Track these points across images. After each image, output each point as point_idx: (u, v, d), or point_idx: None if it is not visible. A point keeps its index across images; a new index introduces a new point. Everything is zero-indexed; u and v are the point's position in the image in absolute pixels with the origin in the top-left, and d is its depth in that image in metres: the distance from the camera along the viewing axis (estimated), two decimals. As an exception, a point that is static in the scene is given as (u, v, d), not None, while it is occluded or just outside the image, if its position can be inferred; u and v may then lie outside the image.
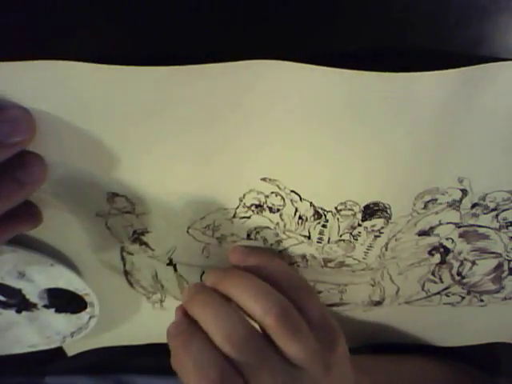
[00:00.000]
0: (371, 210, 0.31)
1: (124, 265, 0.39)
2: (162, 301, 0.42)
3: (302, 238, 0.33)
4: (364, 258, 0.35)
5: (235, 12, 0.24)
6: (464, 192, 0.31)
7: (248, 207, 0.32)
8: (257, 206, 0.32)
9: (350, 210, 0.31)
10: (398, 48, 0.25)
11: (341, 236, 0.33)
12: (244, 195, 0.31)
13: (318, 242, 0.33)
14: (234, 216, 0.33)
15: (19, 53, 0.24)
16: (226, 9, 0.24)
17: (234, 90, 0.25)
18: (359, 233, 0.33)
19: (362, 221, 0.32)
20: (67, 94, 0.25)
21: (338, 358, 0.31)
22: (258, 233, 0.34)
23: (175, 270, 0.39)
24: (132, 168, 0.30)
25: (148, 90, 0.25)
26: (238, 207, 0.32)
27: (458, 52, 0.24)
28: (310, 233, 0.33)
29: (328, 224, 0.32)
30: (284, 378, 0.29)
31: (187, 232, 0.34)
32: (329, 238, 0.33)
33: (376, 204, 0.31)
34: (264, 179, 0.30)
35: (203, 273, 0.38)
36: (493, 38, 0.24)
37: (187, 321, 0.31)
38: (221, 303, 0.30)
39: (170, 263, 0.37)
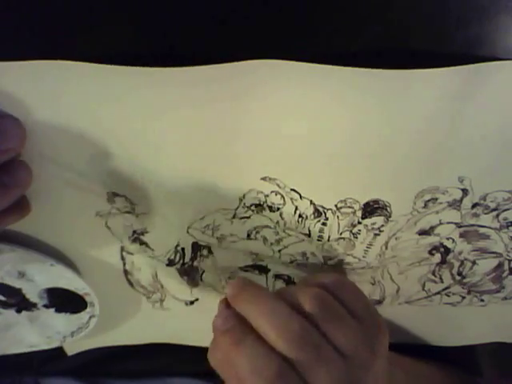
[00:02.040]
0: (371, 208, 0.31)
1: (124, 264, 0.39)
2: (161, 300, 0.42)
3: (303, 236, 0.34)
4: (364, 257, 0.35)
5: (235, 12, 0.24)
6: (464, 191, 0.31)
7: (248, 207, 0.32)
8: (257, 206, 0.32)
9: (349, 207, 0.31)
10: (398, 48, 0.25)
11: (341, 234, 0.33)
12: (244, 195, 0.32)
13: (318, 240, 0.34)
14: (234, 216, 0.33)
15: (19, 53, 0.24)
16: (226, 9, 0.24)
17: (233, 90, 0.25)
18: (359, 231, 0.33)
19: (362, 218, 0.32)
20: (67, 93, 0.25)
21: (381, 346, 0.32)
22: (257, 232, 0.34)
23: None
24: (131, 168, 0.30)
25: (148, 91, 0.25)
26: (237, 208, 0.32)
27: (458, 52, 0.24)
28: (310, 231, 0.33)
29: (328, 222, 0.32)
30: (340, 372, 0.29)
31: (187, 232, 0.35)
32: (329, 236, 0.33)
33: (376, 202, 0.31)
34: (264, 178, 0.30)
35: (203, 272, 0.39)
36: (492, 38, 0.24)
37: (235, 316, 0.30)
38: (271, 299, 0.30)
39: (170, 264, 0.37)
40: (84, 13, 0.24)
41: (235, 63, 0.24)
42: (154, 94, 0.25)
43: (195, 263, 0.38)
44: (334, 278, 0.32)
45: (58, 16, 0.24)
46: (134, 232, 0.35)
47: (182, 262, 0.37)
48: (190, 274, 0.39)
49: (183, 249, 0.36)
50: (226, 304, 0.31)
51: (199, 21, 0.24)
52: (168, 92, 0.25)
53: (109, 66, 0.24)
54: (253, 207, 0.32)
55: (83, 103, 0.26)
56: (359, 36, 0.25)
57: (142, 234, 0.35)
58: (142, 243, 0.36)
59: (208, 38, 0.25)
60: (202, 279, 0.39)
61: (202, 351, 0.47)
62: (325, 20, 0.24)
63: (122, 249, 0.37)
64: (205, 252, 0.36)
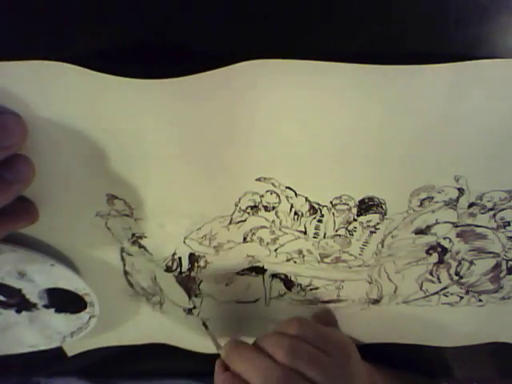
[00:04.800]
0: (366, 205, 0.31)
1: (124, 265, 0.39)
2: (161, 303, 0.42)
3: (299, 234, 0.34)
4: (360, 255, 0.35)
5: (234, 12, 0.24)
6: (461, 191, 0.31)
7: (244, 210, 0.32)
8: (252, 208, 0.32)
9: (345, 204, 0.31)
10: (398, 48, 0.25)
11: (336, 231, 0.33)
12: (239, 199, 0.32)
13: (314, 237, 0.34)
14: (230, 222, 0.33)
15: (19, 53, 0.24)
16: (226, 9, 0.24)
17: (232, 93, 0.25)
18: (355, 228, 0.33)
19: (358, 216, 0.32)
20: (68, 96, 0.26)
21: (355, 366, 0.37)
22: (253, 234, 0.34)
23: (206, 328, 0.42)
24: (129, 173, 0.30)
25: (146, 100, 0.25)
26: (233, 213, 0.33)
27: (458, 52, 0.24)
28: (305, 228, 0.33)
29: (324, 219, 0.32)
30: None
31: (184, 242, 0.35)
32: (325, 233, 0.33)
33: (371, 199, 0.31)
34: (259, 179, 0.30)
35: (201, 282, 0.39)
36: (492, 38, 0.24)
37: (231, 377, 0.36)
38: (255, 355, 0.36)
39: (168, 270, 0.38)
40: (84, 14, 0.24)
41: (232, 66, 0.24)
42: (150, 104, 0.26)
43: (192, 274, 0.38)
44: (303, 325, 0.37)
45: (59, 16, 0.24)
46: (133, 235, 0.35)
47: (179, 270, 0.37)
48: (188, 284, 0.39)
49: (180, 258, 0.36)
50: (223, 365, 0.37)
51: (197, 20, 0.25)
52: (165, 101, 0.25)
53: (106, 76, 0.24)
54: (248, 209, 0.32)
55: (82, 106, 0.26)
56: (359, 36, 0.24)
57: (141, 238, 0.35)
58: (141, 247, 0.36)
59: (207, 38, 0.25)
60: (199, 289, 0.39)
61: (202, 354, 0.47)
62: (324, 20, 0.24)
63: (122, 250, 0.37)
64: (202, 263, 0.37)
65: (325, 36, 0.25)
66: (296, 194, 0.31)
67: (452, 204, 0.31)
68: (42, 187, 0.31)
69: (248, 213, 0.32)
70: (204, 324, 0.42)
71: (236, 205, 0.32)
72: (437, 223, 0.33)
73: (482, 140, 0.28)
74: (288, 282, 0.39)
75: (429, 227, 0.33)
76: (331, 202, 0.31)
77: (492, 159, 0.29)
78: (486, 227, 0.33)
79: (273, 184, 0.30)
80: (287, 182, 0.30)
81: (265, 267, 0.38)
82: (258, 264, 0.37)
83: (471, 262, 0.36)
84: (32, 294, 0.39)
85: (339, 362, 0.36)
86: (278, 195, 0.31)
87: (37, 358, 0.46)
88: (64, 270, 0.37)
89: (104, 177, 0.30)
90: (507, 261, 0.35)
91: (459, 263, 0.36)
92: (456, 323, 0.41)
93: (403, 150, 0.28)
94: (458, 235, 0.34)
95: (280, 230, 0.34)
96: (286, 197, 0.31)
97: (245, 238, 0.35)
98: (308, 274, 0.37)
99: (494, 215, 0.32)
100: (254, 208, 0.32)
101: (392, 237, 0.33)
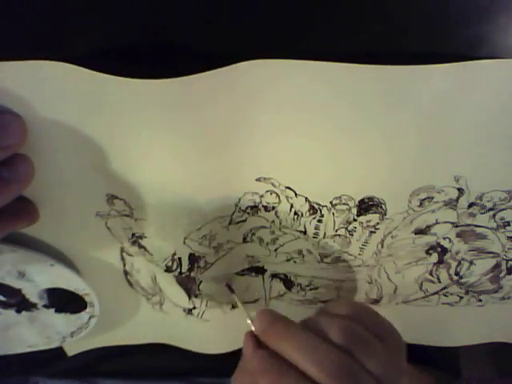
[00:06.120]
0: (366, 205, 0.31)
1: (124, 265, 0.39)
2: (161, 303, 0.42)
3: (298, 234, 0.34)
4: (360, 254, 0.35)
5: (235, 12, 0.24)
6: (460, 191, 0.31)
7: (243, 210, 0.32)
8: (252, 208, 0.32)
9: (345, 204, 0.31)
10: (398, 48, 0.25)
11: (336, 231, 0.33)
12: (239, 199, 0.32)
13: (313, 237, 0.34)
14: (230, 223, 0.33)
15: (19, 53, 0.24)
16: (226, 9, 0.24)
17: (232, 93, 0.25)
18: (354, 228, 0.33)
19: (358, 216, 0.32)
20: (68, 96, 0.26)
21: (404, 362, 0.32)
22: (253, 234, 0.34)
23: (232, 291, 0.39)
24: (130, 173, 0.30)
25: (145, 100, 0.25)
26: (233, 213, 0.33)
27: (458, 52, 0.24)
28: (305, 228, 0.33)
29: (323, 219, 0.32)
30: None
31: (184, 243, 0.35)
32: (324, 233, 0.33)
33: (371, 199, 0.31)
34: (259, 179, 0.30)
35: (201, 282, 0.39)
36: (492, 38, 0.24)
37: (270, 356, 0.29)
38: (304, 333, 0.29)
39: (168, 270, 0.38)
40: (84, 14, 0.24)
41: (232, 66, 0.24)
42: (150, 104, 0.26)
43: (192, 274, 0.38)
44: (356, 306, 0.32)
45: (59, 16, 0.24)
46: (133, 235, 0.35)
47: (179, 270, 0.37)
48: (188, 284, 0.39)
49: (180, 258, 0.36)
50: (256, 342, 0.31)
51: (197, 20, 0.25)
52: (165, 101, 0.25)
53: (106, 76, 0.24)
54: (248, 210, 0.32)
55: (82, 106, 0.26)
56: (359, 36, 0.25)
57: (141, 238, 0.35)
58: (141, 247, 0.36)
59: (207, 38, 0.25)
60: (199, 289, 0.39)
61: (202, 354, 0.47)
62: (325, 20, 0.24)
63: (122, 250, 0.37)
64: (202, 263, 0.37)
65: (325, 36, 0.25)
66: (296, 194, 0.31)
67: (452, 204, 0.31)
68: (42, 187, 0.31)
69: (248, 213, 0.33)
70: (229, 287, 0.38)
71: (236, 205, 0.32)
72: (437, 223, 0.33)
73: (482, 140, 0.28)
74: (288, 282, 0.39)
75: (429, 227, 0.33)
76: (331, 202, 0.31)
77: (492, 159, 0.29)
78: (486, 227, 0.33)
79: (273, 184, 0.31)
80: (287, 182, 0.30)
81: (265, 267, 0.38)
82: (257, 264, 0.37)
83: (471, 262, 0.36)
84: (32, 294, 0.39)
85: (394, 352, 0.31)
86: (277, 195, 0.31)
87: (36, 357, 0.46)
88: (64, 270, 0.37)
89: (104, 177, 0.30)
90: (507, 261, 0.35)
91: (459, 263, 0.36)
92: (456, 323, 0.41)
93: (403, 150, 0.28)
94: (457, 235, 0.34)
95: (280, 230, 0.34)
96: (286, 197, 0.31)
97: (245, 238, 0.35)
98: (308, 274, 0.37)
99: (494, 215, 0.32)
100: (254, 208, 0.32)
101: (392, 237, 0.33)
